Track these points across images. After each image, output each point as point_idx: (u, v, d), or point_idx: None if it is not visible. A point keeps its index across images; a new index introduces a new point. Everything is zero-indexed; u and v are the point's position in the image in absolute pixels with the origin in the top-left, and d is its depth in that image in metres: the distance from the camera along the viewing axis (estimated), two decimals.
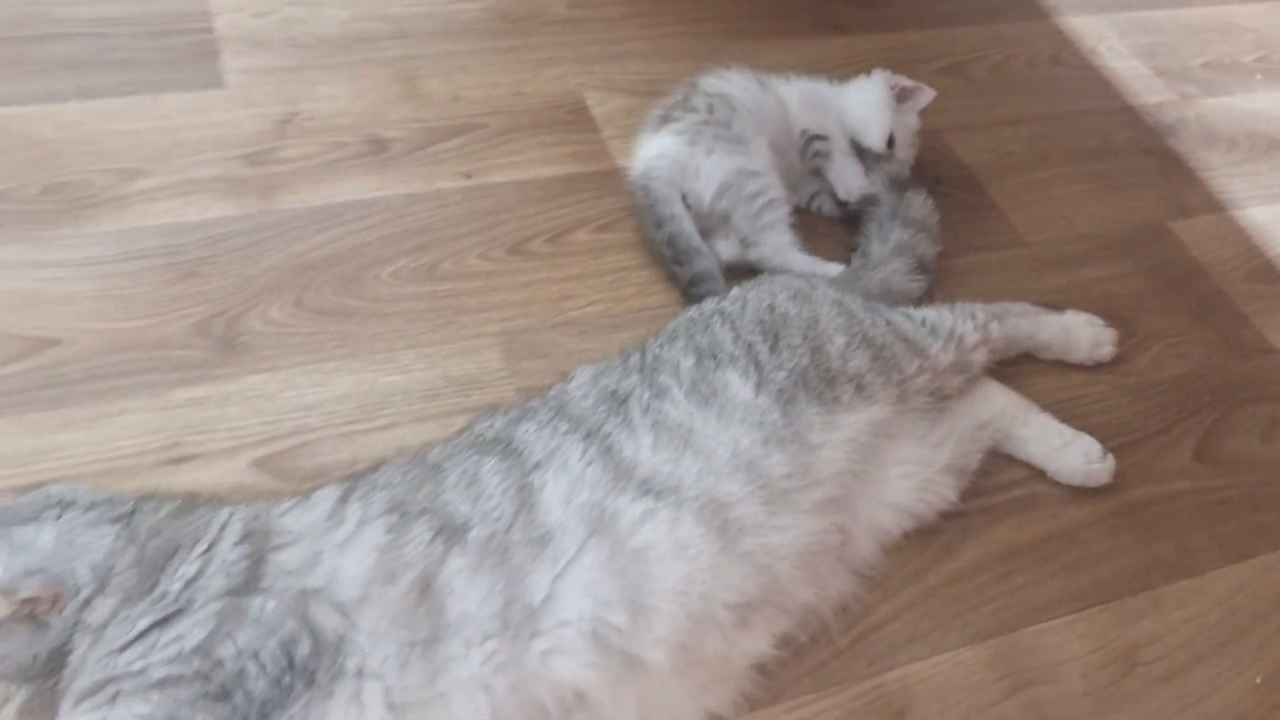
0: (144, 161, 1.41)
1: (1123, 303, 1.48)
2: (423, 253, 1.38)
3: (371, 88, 1.59)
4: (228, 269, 1.31)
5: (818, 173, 1.50)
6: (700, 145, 1.39)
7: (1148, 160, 1.75)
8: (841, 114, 1.52)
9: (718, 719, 1.00)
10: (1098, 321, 1.39)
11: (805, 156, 1.49)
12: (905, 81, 1.52)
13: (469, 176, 1.49)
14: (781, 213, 1.40)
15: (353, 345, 1.26)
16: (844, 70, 1.70)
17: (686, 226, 1.36)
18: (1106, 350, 1.39)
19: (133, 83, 1.51)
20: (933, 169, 1.60)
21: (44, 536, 0.89)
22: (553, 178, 1.51)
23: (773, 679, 1.04)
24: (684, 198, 1.38)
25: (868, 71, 1.54)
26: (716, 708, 1.00)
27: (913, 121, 1.54)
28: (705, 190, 1.38)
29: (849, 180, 1.48)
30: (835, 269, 1.38)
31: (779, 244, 1.38)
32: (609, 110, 1.63)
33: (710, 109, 1.42)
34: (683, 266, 1.35)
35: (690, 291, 1.34)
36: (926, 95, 1.52)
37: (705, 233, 1.38)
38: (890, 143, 1.50)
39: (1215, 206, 1.68)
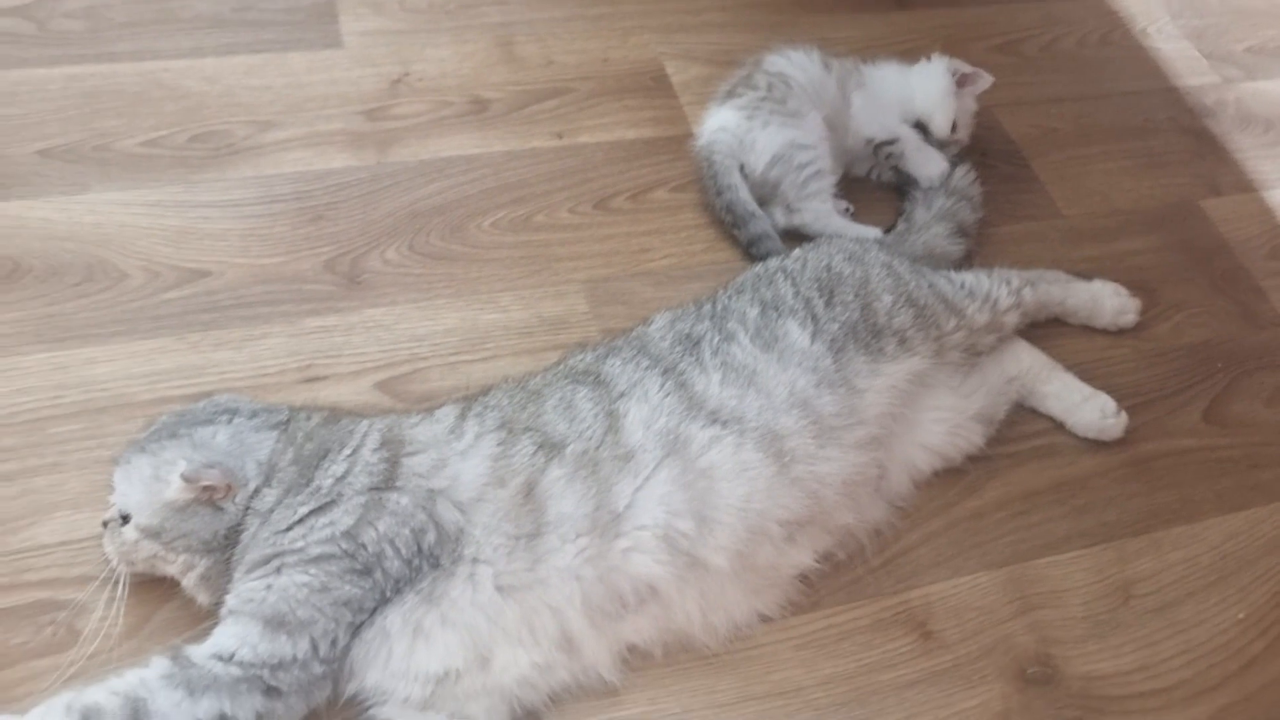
0: (276, 114, 1.57)
1: (1150, 274, 1.60)
2: (518, 205, 1.53)
3: (474, 51, 1.73)
4: (350, 214, 1.48)
5: (896, 170, 1.62)
6: (757, 119, 1.52)
7: (1185, 140, 1.85)
8: (909, 100, 1.62)
9: (765, 618, 1.15)
10: (1123, 291, 1.51)
11: (880, 160, 1.62)
12: (965, 67, 1.62)
13: (560, 137, 1.64)
14: (826, 183, 1.53)
15: (458, 286, 1.43)
16: (905, 45, 1.83)
17: (743, 195, 1.50)
18: (1130, 318, 1.51)
19: (265, 41, 1.67)
20: (980, 142, 1.70)
21: (219, 437, 1.07)
22: (635, 140, 1.65)
23: (813, 588, 1.19)
24: (741, 168, 1.52)
25: (928, 53, 1.64)
26: (764, 608, 1.15)
27: (971, 104, 1.65)
28: (759, 161, 1.51)
29: (929, 169, 1.58)
30: (873, 232, 1.51)
31: (820, 211, 1.51)
32: (687, 78, 1.76)
33: (769, 87, 1.54)
34: (740, 230, 1.49)
35: (750, 252, 1.49)
36: (985, 81, 1.63)
37: (761, 200, 1.52)
38: (953, 127, 1.62)
39: (1246, 187, 1.79)
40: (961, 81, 1.62)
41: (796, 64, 1.59)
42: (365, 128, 1.59)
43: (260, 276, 1.39)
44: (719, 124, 1.55)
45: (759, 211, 1.50)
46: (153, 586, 1.10)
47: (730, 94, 1.58)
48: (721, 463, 1.09)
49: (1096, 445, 1.38)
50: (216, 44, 1.65)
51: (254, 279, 1.39)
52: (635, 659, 1.11)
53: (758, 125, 1.52)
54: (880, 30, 1.93)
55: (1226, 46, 2.07)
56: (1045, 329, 1.47)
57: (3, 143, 1.47)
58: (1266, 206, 1.76)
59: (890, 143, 1.60)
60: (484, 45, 1.75)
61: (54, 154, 1.47)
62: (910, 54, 1.70)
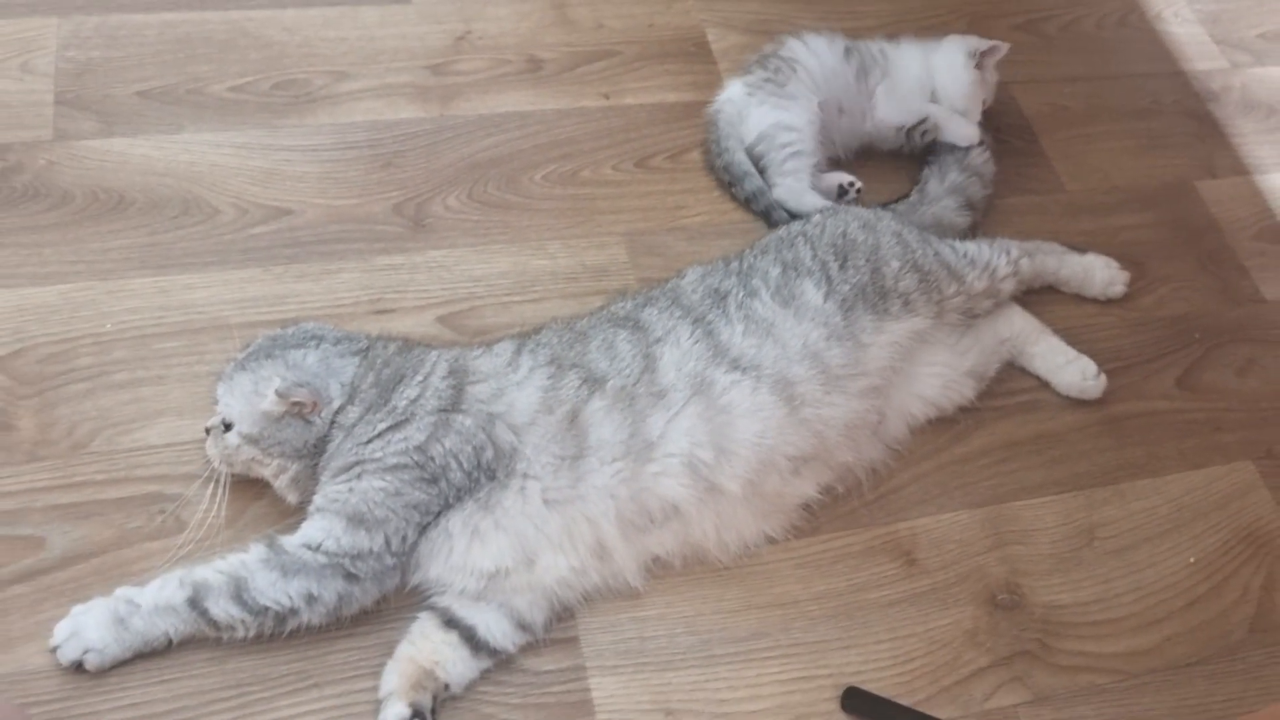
0: (351, 66, 1.71)
1: (1141, 249, 1.73)
2: (567, 161, 1.67)
3: (531, 12, 1.84)
4: (416, 162, 1.62)
5: (933, 141, 1.72)
6: (755, 98, 1.65)
7: (1188, 123, 1.96)
8: (930, 81, 1.71)
9: (770, 539, 1.31)
10: (1114, 264, 1.64)
11: (916, 140, 1.72)
12: (982, 44, 1.70)
13: (607, 97, 1.76)
14: (804, 163, 1.62)
15: (511, 233, 1.57)
16: (933, 20, 1.93)
17: (739, 157, 1.64)
18: (1118, 289, 1.64)
19: None
20: (995, 118, 1.80)
21: (309, 359, 1.23)
22: (675, 103, 1.77)
23: (814, 516, 1.35)
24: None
25: (956, 29, 1.74)
26: (771, 531, 1.31)
27: (992, 76, 1.74)
28: (748, 135, 1.65)
29: (964, 133, 1.69)
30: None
31: (794, 188, 1.60)
32: (726, 46, 1.87)
33: (776, 70, 1.66)
34: (736, 187, 1.64)
35: (750, 207, 1.63)
36: (1001, 49, 1.71)
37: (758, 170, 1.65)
38: None
39: (1241, 170, 1.90)
40: (981, 63, 1.71)
41: (814, 50, 1.69)
42: (431, 81, 1.72)
43: (336, 216, 1.54)
44: (728, 95, 1.69)
45: (753, 171, 1.63)
46: (246, 486, 1.26)
47: (748, 69, 1.70)
48: (740, 403, 1.25)
49: (1076, 403, 1.52)
50: None
51: (330, 218, 1.54)
52: (657, 568, 1.27)
53: (754, 103, 1.65)
54: (910, 4, 2.03)
55: (1240, 32, 2.15)
56: (1039, 295, 1.60)
57: (107, 83, 1.61)
58: (1258, 190, 1.87)
59: (921, 122, 1.71)
60: (540, 6, 1.86)
61: (151, 95, 1.62)
62: (936, 30, 1.80)
